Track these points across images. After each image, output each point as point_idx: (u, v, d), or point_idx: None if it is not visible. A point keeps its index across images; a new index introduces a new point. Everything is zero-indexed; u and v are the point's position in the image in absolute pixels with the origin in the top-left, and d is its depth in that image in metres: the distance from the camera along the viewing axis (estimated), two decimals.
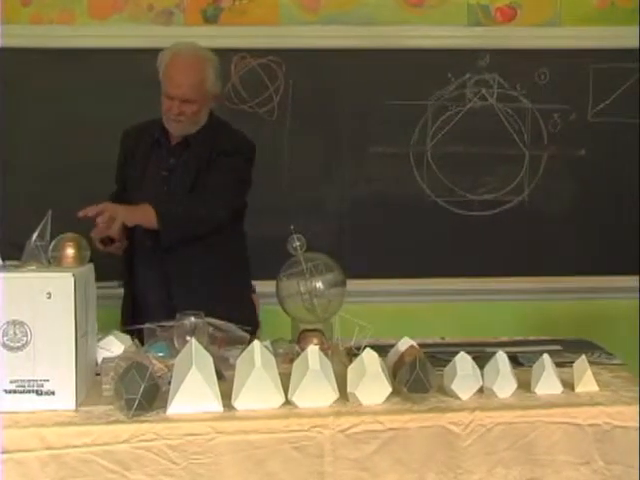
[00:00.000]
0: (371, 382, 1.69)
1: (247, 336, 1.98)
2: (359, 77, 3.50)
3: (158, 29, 3.41)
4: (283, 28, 3.46)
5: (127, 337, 1.97)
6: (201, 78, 2.55)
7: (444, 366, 1.81)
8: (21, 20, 3.35)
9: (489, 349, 2.00)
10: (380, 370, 1.71)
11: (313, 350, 1.73)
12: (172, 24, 3.43)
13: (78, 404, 1.65)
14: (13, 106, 3.29)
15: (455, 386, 1.73)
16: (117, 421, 1.59)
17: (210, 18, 3.46)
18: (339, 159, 3.55)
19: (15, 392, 1.62)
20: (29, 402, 1.62)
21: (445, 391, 1.75)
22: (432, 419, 1.64)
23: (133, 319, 2.39)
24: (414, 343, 1.87)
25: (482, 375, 1.77)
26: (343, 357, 2.01)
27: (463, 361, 1.76)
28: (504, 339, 2.32)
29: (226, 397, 1.65)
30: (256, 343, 1.72)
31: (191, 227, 2.46)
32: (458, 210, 3.57)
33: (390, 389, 1.71)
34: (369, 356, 1.74)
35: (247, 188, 2.67)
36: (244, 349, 1.76)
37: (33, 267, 1.71)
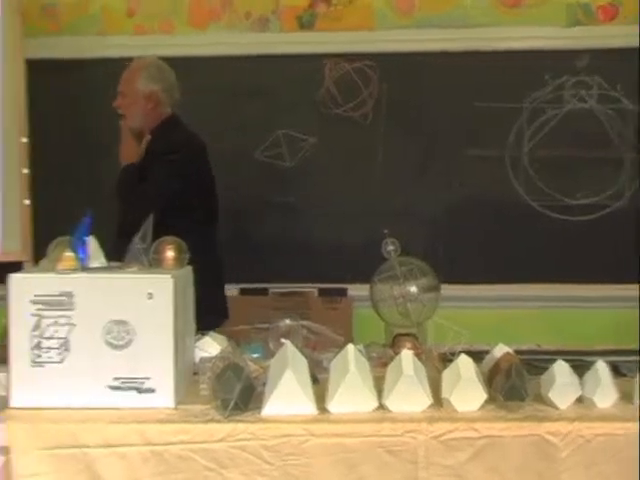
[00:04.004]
0: (466, 388, 1.67)
1: (341, 339, 1.99)
2: (454, 80, 3.48)
3: (254, 36, 3.48)
4: (378, 33, 3.47)
5: (224, 338, 2.01)
6: None
7: (540, 374, 1.76)
8: (126, 31, 3.49)
9: (588, 358, 1.95)
10: (475, 376, 1.69)
11: (407, 355, 1.72)
12: (268, 31, 3.49)
13: (177, 402, 1.69)
14: (109, 112, 3.41)
15: (553, 395, 1.69)
16: (214, 420, 1.62)
17: (306, 24, 3.50)
18: (433, 162, 3.53)
19: (118, 389, 1.67)
20: (131, 399, 1.67)
21: (542, 400, 1.71)
22: (528, 428, 1.61)
23: None
24: (510, 350, 1.84)
25: (581, 384, 1.72)
26: (437, 362, 1.99)
27: (561, 369, 1.72)
28: (602, 347, 2.24)
29: (320, 400, 1.67)
30: (350, 347, 1.72)
31: None
32: (555, 214, 3.48)
33: (485, 396, 1.68)
34: (464, 362, 1.72)
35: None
36: (338, 352, 1.76)
37: (135, 269, 1.76)
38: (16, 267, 1.85)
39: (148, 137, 2.82)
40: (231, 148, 3.52)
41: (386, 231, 2.19)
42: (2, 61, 2.98)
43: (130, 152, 2.83)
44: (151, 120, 2.85)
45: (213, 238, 2.89)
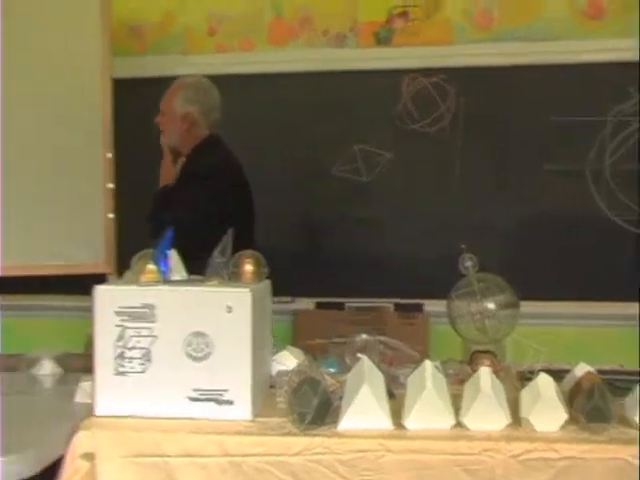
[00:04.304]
0: (546, 408, 1.63)
1: (418, 355, 1.98)
2: (533, 93, 3.43)
3: (332, 52, 3.51)
4: (456, 47, 3.45)
5: (300, 352, 2.03)
6: None
7: (623, 395, 1.72)
8: (207, 50, 3.59)
9: None
10: (555, 396, 1.65)
11: (485, 372, 1.70)
12: (346, 47, 3.52)
13: (254, 415, 1.71)
14: None
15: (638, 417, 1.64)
16: (290, 433, 1.63)
17: (383, 40, 3.51)
18: (512, 177, 3.48)
19: (197, 400, 1.70)
20: (209, 410, 1.70)
21: (627, 422, 1.66)
22: (613, 451, 1.56)
23: None
24: (591, 369, 1.79)
25: None
26: (515, 380, 1.96)
27: None
28: None
29: (396, 415, 1.66)
30: (427, 363, 1.71)
31: None
32: (638, 230, 3.38)
33: (566, 416, 1.64)
34: (544, 380, 1.69)
35: None
36: (415, 368, 1.76)
37: (215, 282, 1.80)
38: (100, 279, 1.91)
39: (183, 159, 2.85)
40: (308, 163, 3.56)
41: (464, 246, 2.17)
42: (91, 80, 3.09)
43: (167, 173, 2.88)
44: (187, 141, 2.89)
45: None
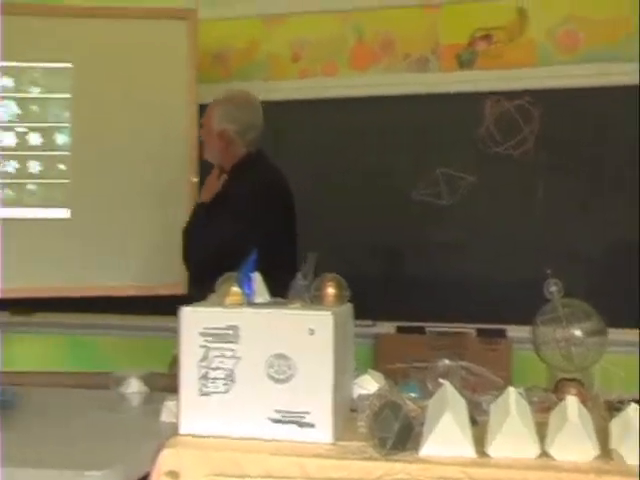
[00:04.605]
0: (637, 440, 1.58)
1: (501, 382, 1.95)
2: (618, 116, 3.35)
3: (414, 76, 3.52)
4: (540, 69, 3.41)
5: (381, 376, 2.02)
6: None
7: None
8: (291, 75, 3.65)
9: None
10: None
11: (572, 401, 1.65)
12: (428, 71, 3.52)
13: (335, 438, 1.71)
14: (285, 154, 3.55)
15: None
16: (371, 458, 1.62)
17: (465, 63, 3.50)
18: (597, 200, 3.40)
19: (279, 422, 1.71)
20: (291, 432, 1.70)
21: None
22: None
23: None
24: None
25: None
26: (603, 410, 1.90)
27: None
28: None
29: (479, 443, 1.63)
30: (511, 390, 1.68)
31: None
32: None
33: None
34: (634, 411, 1.63)
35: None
36: (498, 395, 1.73)
37: (297, 305, 1.81)
38: (185, 301, 1.95)
39: (224, 177, 2.79)
40: (389, 186, 3.56)
41: (549, 271, 2.12)
42: (178, 106, 3.18)
43: (207, 189, 2.82)
44: (226, 158, 2.82)
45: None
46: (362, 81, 3.59)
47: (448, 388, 1.68)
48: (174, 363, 1.79)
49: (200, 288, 2.66)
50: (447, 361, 1.91)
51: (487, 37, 3.51)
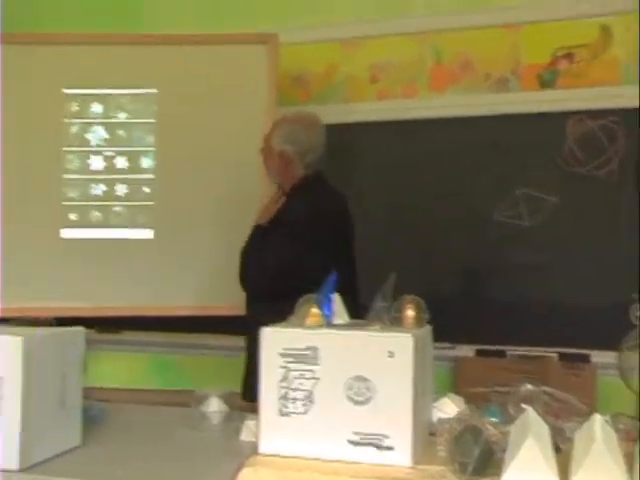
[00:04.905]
0: None
1: (585, 408, 1.90)
2: None
3: (494, 97, 3.49)
4: (624, 87, 3.33)
5: (461, 399, 2.00)
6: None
7: None
8: (369, 97, 3.67)
9: None
10: None
11: None
12: (508, 91, 3.49)
13: (414, 462, 1.69)
14: (364, 175, 3.58)
15: None
16: None
17: (547, 82, 3.45)
18: None
19: (358, 444, 1.71)
20: (369, 455, 1.70)
21: None
22: None
23: None
24: None
25: None
26: None
27: None
28: None
29: (563, 471, 1.59)
30: (597, 417, 1.64)
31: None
32: None
33: None
34: None
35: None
36: (583, 422, 1.68)
37: (376, 327, 1.81)
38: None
39: (283, 198, 2.79)
40: (468, 207, 3.53)
41: (635, 295, 2.07)
42: (257, 129, 3.23)
43: (264, 212, 2.82)
44: (286, 179, 2.82)
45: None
46: (441, 102, 3.58)
47: (531, 414, 1.65)
48: None
49: (256, 310, 2.73)
50: (529, 386, 1.87)
51: (569, 56, 3.45)
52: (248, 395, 2.51)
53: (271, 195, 2.90)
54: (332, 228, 2.76)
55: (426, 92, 3.63)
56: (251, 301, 2.80)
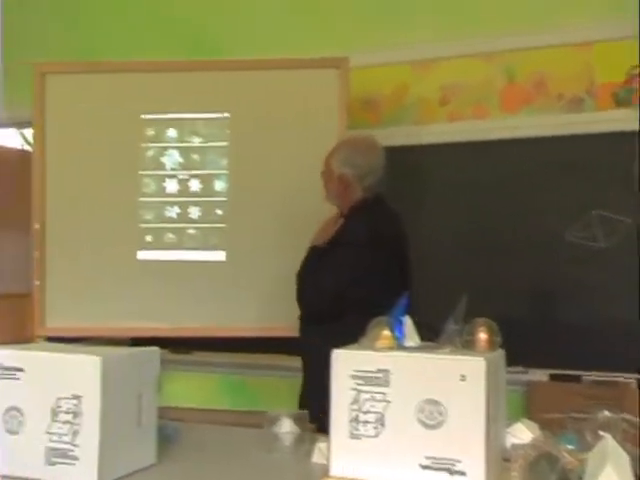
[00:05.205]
0: None
1: None
2: None
3: (568, 117, 3.44)
4: None
5: (536, 425, 1.96)
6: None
7: None
8: (439, 119, 3.67)
9: None
10: None
11: None
12: (583, 111, 3.43)
13: None
14: (435, 196, 3.57)
15: None
16: None
17: (622, 101, 3.39)
18: None
19: (429, 468, 1.70)
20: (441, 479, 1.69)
21: None
22: None
23: None
24: None
25: None
26: None
27: None
28: None
29: None
30: None
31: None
32: None
33: None
34: None
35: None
36: None
37: (448, 350, 1.80)
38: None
39: (341, 220, 2.80)
40: (541, 228, 3.48)
41: None
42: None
43: (321, 233, 2.82)
44: (343, 201, 2.83)
45: None
46: (513, 123, 3.54)
47: (609, 441, 1.60)
48: None
49: (307, 331, 2.74)
50: (607, 412, 1.83)
51: None
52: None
53: (329, 217, 2.93)
54: (390, 250, 2.76)
55: (497, 113, 3.60)
56: (303, 323, 2.82)
